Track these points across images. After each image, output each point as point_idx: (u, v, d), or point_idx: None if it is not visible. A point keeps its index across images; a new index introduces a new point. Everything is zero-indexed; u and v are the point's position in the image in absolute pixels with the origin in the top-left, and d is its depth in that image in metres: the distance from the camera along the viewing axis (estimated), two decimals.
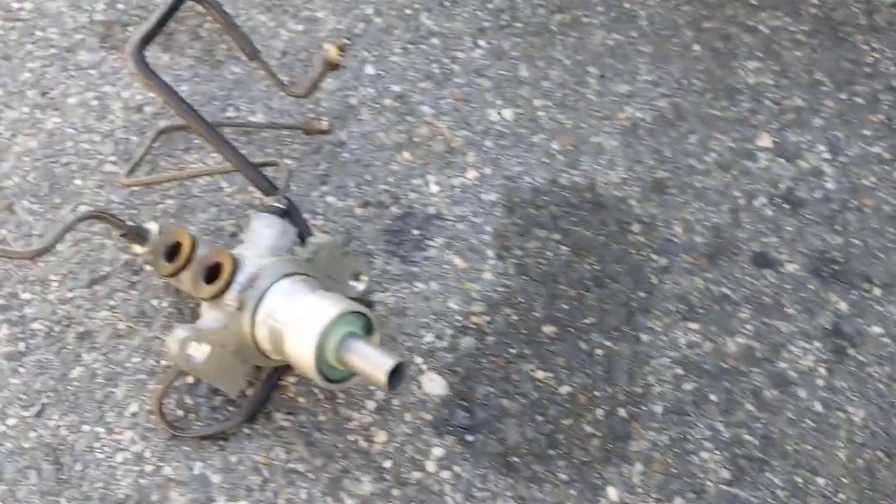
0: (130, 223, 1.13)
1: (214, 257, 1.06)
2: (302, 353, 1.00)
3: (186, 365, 1.01)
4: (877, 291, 1.30)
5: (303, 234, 1.17)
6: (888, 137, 1.48)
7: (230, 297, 1.05)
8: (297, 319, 1.02)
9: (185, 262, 1.09)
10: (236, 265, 1.05)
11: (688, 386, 1.20)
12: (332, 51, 1.21)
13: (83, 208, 1.32)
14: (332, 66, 1.26)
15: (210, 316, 1.07)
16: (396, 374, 0.99)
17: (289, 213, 1.16)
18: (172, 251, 1.12)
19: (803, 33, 1.64)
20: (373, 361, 0.98)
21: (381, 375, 0.97)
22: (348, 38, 1.16)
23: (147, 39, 1.12)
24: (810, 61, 1.59)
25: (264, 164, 1.24)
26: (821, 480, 1.13)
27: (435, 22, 1.57)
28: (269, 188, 1.19)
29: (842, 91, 1.55)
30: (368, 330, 1.05)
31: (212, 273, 1.07)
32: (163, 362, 1.19)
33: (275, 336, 1.04)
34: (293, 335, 1.01)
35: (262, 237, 1.12)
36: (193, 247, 1.09)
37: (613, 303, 1.26)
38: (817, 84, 1.56)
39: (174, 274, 1.10)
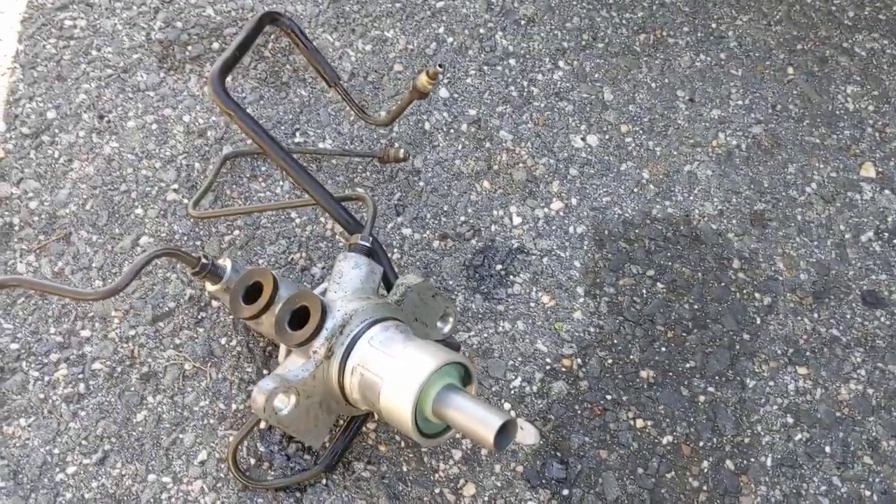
0: (204, 260, 1.06)
1: (301, 301, 0.99)
2: (399, 408, 0.92)
3: (272, 418, 0.94)
4: None
5: (387, 274, 1.10)
6: None
7: (318, 344, 0.97)
8: (394, 372, 0.93)
9: (267, 305, 1.01)
10: (325, 310, 0.97)
11: (799, 436, 1.11)
12: (422, 78, 1.13)
13: (145, 240, 1.25)
14: (421, 95, 1.18)
15: (294, 363, 0.98)
16: (503, 432, 0.91)
17: (373, 252, 1.09)
18: (252, 292, 1.04)
19: None
20: (478, 419, 0.89)
21: (489, 435, 0.88)
22: (441, 66, 1.08)
23: (227, 68, 1.05)
24: None
25: (347, 199, 1.16)
26: None
27: (511, 42, 1.49)
28: (354, 225, 1.11)
29: None
30: (465, 379, 0.97)
31: (298, 318, 0.99)
32: (233, 406, 1.11)
33: (366, 387, 0.95)
34: (390, 389, 0.93)
35: (349, 279, 1.04)
36: (275, 288, 1.02)
37: (715, 345, 1.17)
38: None
39: (254, 317, 1.02)
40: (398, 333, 0.98)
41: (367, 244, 1.06)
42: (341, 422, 1.07)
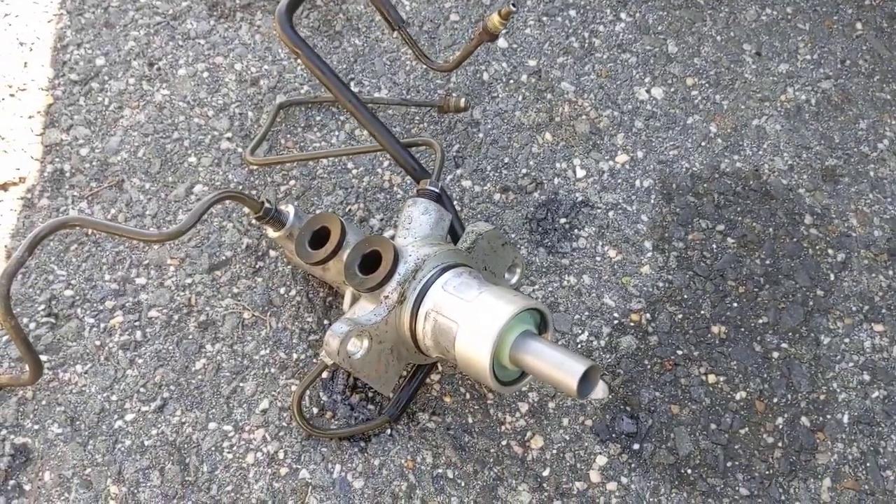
0: (268, 205, 1.03)
1: (371, 245, 0.96)
2: (477, 354, 0.89)
3: (346, 362, 0.91)
4: None
5: (453, 222, 1.07)
6: None
7: (390, 289, 0.94)
8: (470, 317, 0.90)
9: (336, 250, 0.99)
10: (397, 254, 0.95)
11: (876, 394, 1.07)
12: (494, 18, 1.09)
13: (199, 188, 1.23)
14: (491, 37, 1.13)
15: (364, 309, 0.96)
16: (585, 379, 0.88)
17: (441, 199, 1.06)
18: (318, 237, 1.02)
19: None
20: (560, 365, 0.87)
21: (573, 381, 0.85)
22: (514, 5, 1.04)
23: (294, 5, 1.02)
24: None
25: (414, 144, 1.13)
26: None
27: None
28: (421, 172, 1.08)
29: None
30: (540, 327, 0.95)
31: (367, 263, 0.97)
32: (294, 356, 1.09)
33: (440, 333, 0.93)
34: (466, 334, 0.90)
35: (418, 224, 1.01)
36: (343, 233, 0.99)
37: (788, 301, 1.14)
38: None
39: (322, 262, 0.99)
40: (472, 279, 0.95)
41: (437, 189, 1.03)
42: (405, 373, 1.05)
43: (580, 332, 1.11)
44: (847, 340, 1.11)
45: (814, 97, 1.33)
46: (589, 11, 1.42)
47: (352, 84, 1.33)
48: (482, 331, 0.89)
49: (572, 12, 1.42)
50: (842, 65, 1.37)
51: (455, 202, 1.21)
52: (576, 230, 1.19)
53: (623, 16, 1.42)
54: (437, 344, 0.94)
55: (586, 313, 1.12)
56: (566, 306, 1.13)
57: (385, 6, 1.14)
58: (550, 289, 1.14)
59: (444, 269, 0.96)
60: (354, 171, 1.25)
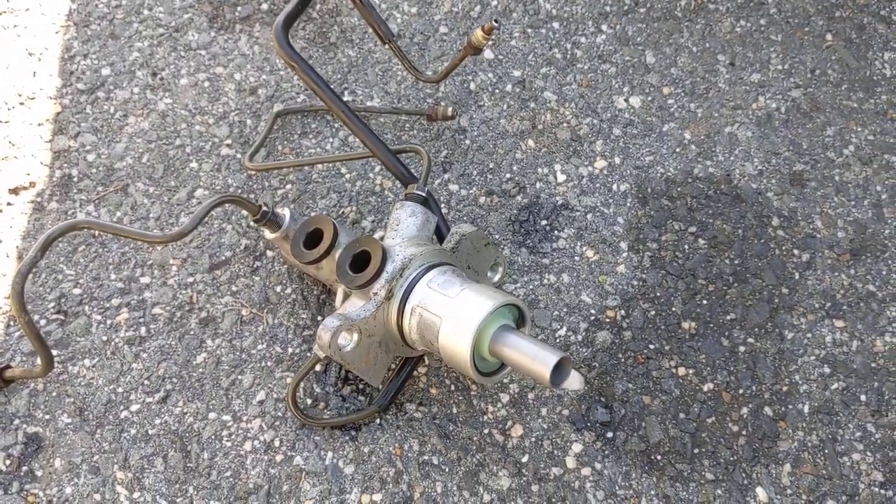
0: (265, 208, 1.10)
1: (361, 245, 1.03)
2: (458, 346, 0.96)
3: (336, 354, 0.98)
4: None
5: (439, 224, 1.14)
6: None
7: (378, 286, 1.01)
8: (453, 311, 0.98)
9: (328, 250, 1.05)
10: (385, 253, 1.01)
11: (835, 385, 1.14)
12: (478, 34, 1.16)
13: (200, 192, 1.29)
14: (475, 51, 1.21)
15: (354, 305, 1.03)
16: (558, 369, 0.95)
17: (428, 202, 1.13)
18: (312, 238, 1.08)
19: None
20: (535, 356, 0.94)
21: (546, 371, 0.92)
22: (497, 21, 1.10)
23: (291, 20, 1.08)
24: None
25: (403, 151, 1.20)
26: None
27: (554, 5, 1.51)
28: (409, 177, 1.15)
29: None
30: (519, 322, 1.01)
31: (358, 262, 1.03)
32: (289, 350, 1.16)
33: (425, 327, 1.00)
34: (449, 327, 0.97)
35: (405, 226, 1.08)
36: (335, 234, 1.06)
37: (755, 299, 1.20)
38: None
39: (315, 261, 1.06)
40: (455, 277, 1.02)
41: (423, 193, 1.10)
42: (393, 366, 1.12)
43: (559, 327, 1.17)
44: (809, 335, 1.18)
45: (784, 105, 1.40)
46: (571, 24, 1.49)
47: (346, 93, 1.41)
48: (464, 324, 0.96)
49: (556, 24, 1.49)
50: (812, 74, 1.44)
51: (442, 205, 1.28)
52: (556, 232, 1.26)
53: (604, 27, 1.49)
54: (423, 337, 1.00)
55: (565, 310, 1.19)
56: (546, 303, 1.19)
57: (376, 21, 1.20)
58: (531, 287, 1.21)
59: (430, 268, 1.02)
60: (347, 176, 1.32)
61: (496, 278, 1.14)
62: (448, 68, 1.23)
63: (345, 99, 1.39)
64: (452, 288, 1.00)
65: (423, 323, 1.00)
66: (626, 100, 1.41)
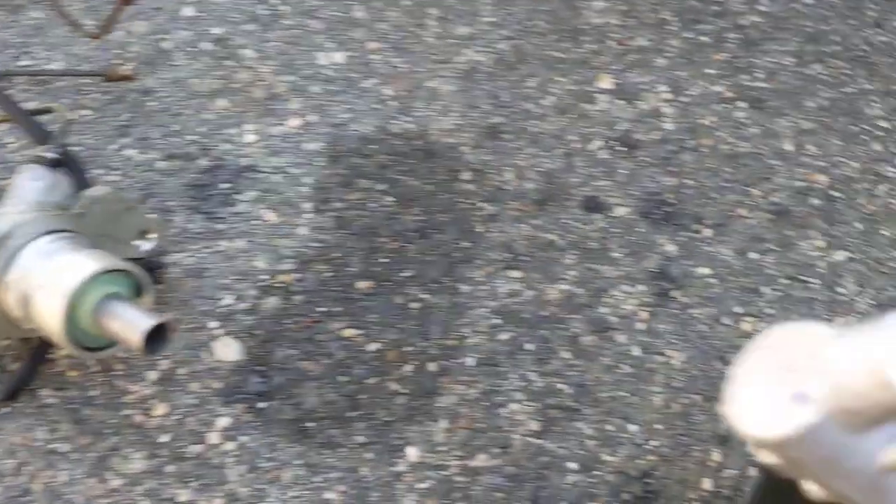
0: None
1: None
2: (50, 316, 0.89)
3: None
4: (707, 232, 1.23)
5: (81, 188, 1.06)
6: (731, 76, 1.40)
7: None
8: (52, 280, 0.91)
9: None
10: None
11: (504, 336, 1.12)
12: None
13: None
14: (127, 1, 1.14)
15: None
16: (159, 336, 0.90)
17: (65, 164, 1.05)
18: None
19: None
20: (129, 322, 0.89)
21: (136, 336, 0.87)
22: None
23: None
24: (658, 0, 1.51)
25: (39, 112, 1.12)
26: (633, 427, 1.06)
27: None
28: (42, 137, 1.07)
29: (688, 30, 1.47)
30: (140, 292, 0.95)
31: None
32: None
33: (25, 300, 0.93)
34: (42, 297, 0.90)
35: (24, 192, 1.00)
36: None
37: (435, 254, 1.17)
38: (663, 23, 1.47)
39: None
40: (68, 244, 0.95)
41: (53, 156, 1.03)
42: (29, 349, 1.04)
43: (225, 296, 1.12)
44: (485, 288, 1.15)
45: (489, 58, 1.37)
46: None
47: (23, 57, 1.32)
48: (57, 290, 0.89)
49: None
50: (521, 26, 1.41)
51: (117, 173, 1.21)
52: (236, 195, 1.21)
53: None
54: (25, 313, 0.93)
55: (234, 277, 1.14)
56: (215, 272, 1.14)
57: None
58: (201, 255, 1.15)
59: (41, 236, 0.95)
60: (13, 146, 1.22)
61: (148, 247, 1.07)
62: (106, 23, 1.16)
63: (23, 63, 1.31)
64: (60, 255, 0.93)
65: (23, 296, 0.93)
66: (329, 56, 1.36)
